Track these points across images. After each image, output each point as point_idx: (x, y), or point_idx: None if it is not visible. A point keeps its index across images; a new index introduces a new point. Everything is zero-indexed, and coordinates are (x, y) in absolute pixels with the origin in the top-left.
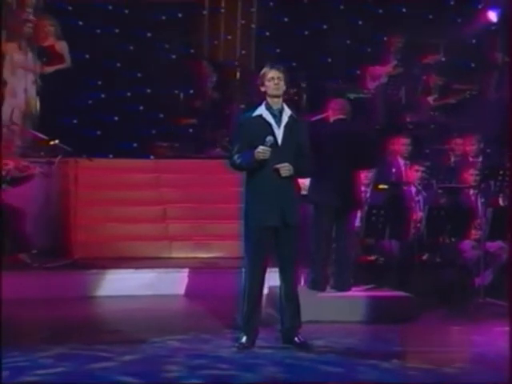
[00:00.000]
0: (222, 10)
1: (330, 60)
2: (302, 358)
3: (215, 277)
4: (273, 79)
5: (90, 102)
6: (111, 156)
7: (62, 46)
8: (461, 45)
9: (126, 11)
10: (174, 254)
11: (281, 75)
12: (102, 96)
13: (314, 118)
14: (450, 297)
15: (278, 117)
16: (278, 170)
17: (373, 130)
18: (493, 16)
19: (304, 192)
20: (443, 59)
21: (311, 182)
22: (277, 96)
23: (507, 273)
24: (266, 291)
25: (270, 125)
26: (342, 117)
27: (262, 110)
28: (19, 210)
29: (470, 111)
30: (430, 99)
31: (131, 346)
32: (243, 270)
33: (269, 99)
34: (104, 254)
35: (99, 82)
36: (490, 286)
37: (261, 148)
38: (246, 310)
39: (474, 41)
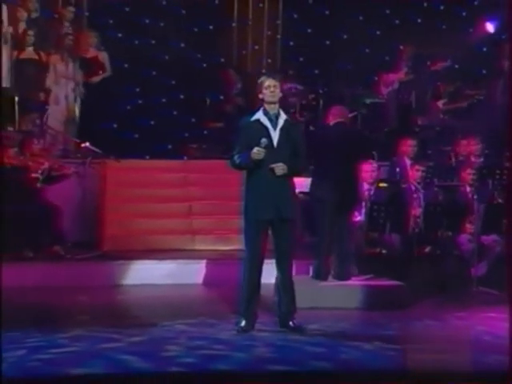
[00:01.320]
0: (250, 23)
1: (349, 67)
2: (293, 340)
3: (232, 267)
4: (269, 87)
5: (129, 107)
6: (148, 157)
7: (104, 57)
8: (470, 53)
9: (162, 24)
10: (197, 247)
11: (277, 83)
12: (140, 102)
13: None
14: (447, 286)
15: (274, 121)
16: (273, 170)
17: (378, 133)
18: (490, 27)
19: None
20: (456, 66)
21: (313, 180)
22: (273, 102)
23: (501, 264)
24: (273, 280)
25: (266, 128)
26: (340, 120)
27: (259, 115)
28: (55, 207)
29: (476, 115)
30: (440, 103)
31: (142, 328)
32: (243, 260)
33: (266, 105)
34: (132, 247)
35: (137, 89)
36: (485, 276)
37: (256, 149)
38: (245, 296)
39: (484, 49)
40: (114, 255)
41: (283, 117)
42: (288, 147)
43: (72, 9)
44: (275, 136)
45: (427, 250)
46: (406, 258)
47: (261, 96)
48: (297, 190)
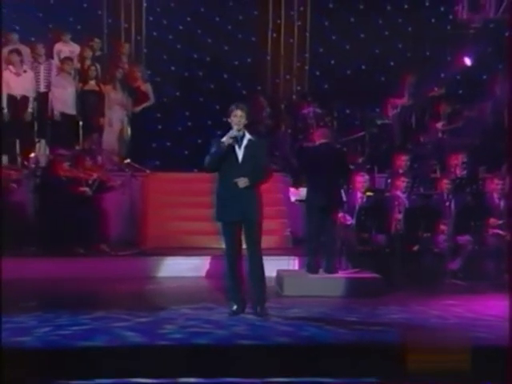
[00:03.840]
0: (282, 55)
1: (366, 93)
2: (270, 320)
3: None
4: (235, 116)
5: (180, 128)
6: (196, 170)
7: (148, 87)
8: (466, 79)
9: (208, 58)
10: (220, 246)
11: (243, 114)
12: (189, 124)
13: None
14: (425, 278)
15: (239, 141)
16: (236, 183)
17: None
18: (467, 61)
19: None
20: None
21: (307, 190)
22: (238, 127)
23: (473, 260)
24: (274, 274)
25: (233, 147)
26: (324, 141)
27: (228, 140)
28: (102, 211)
29: (466, 133)
30: (439, 125)
31: (152, 311)
32: (223, 255)
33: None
34: (167, 245)
35: (187, 113)
36: (459, 270)
37: (225, 137)
38: (230, 285)
39: (484, 77)
40: (149, 252)
41: (247, 137)
42: (251, 162)
43: (127, 46)
44: (240, 153)
45: (415, 248)
46: (390, 255)
47: (229, 120)
48: (294, 199)
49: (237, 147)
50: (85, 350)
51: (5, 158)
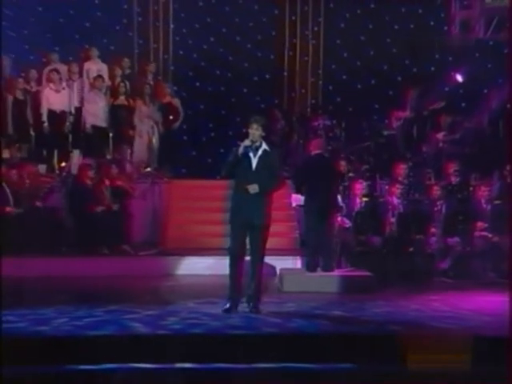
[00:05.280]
0: (297, 71)
1: (376, 106)
2: (262, 313)
3: None
4: (251, 129)
5: (204, 139)
6: (218, 177)
7: (177, 102)
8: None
9: (229, 75)
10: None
11: (258, 127)
12: (212, 135)
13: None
14: (415, 276)
15: (255, 151)
16: (247, 189)
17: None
18: (459, 77)
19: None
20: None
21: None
22: (254, 139)
23: (462, 260)
24: (278, 272)
25: (249, 156)
26: (319, 152)
27: (241, 149)
28: (125, 215)
29: (464, 143)
30: (440, 135)
31: (161, 305)
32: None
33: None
34: (185, 246)
35: (210, 125)
36: (448, 269)
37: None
38: (229, 283)
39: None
40: (167, 252)
41: (263, 147)
42: (264, 170)
43: (154, 65)
44: (254, 162)
45: (407, 249)
46: (384, 255)
47: (248, 131)
48: (295, 204)
49: (252, 156)
50: (92, 339)
51: (43, 167)
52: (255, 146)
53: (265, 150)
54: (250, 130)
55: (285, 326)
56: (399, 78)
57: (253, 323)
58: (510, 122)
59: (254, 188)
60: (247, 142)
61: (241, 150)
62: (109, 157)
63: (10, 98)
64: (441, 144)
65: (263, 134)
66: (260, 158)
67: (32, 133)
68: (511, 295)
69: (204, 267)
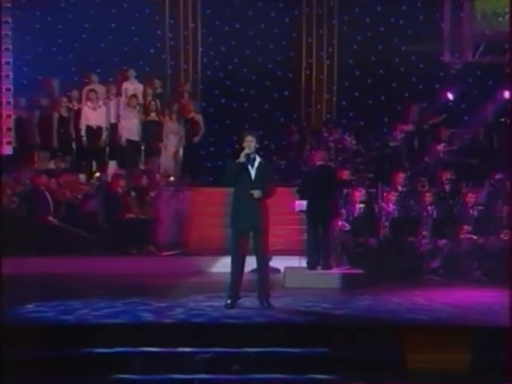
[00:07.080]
0: (314, 88)
1: (386, 120)
2: (257, 306)
3: None
4: (247, 141)
5: (229, 150)
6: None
7: (199, 118)
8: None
9: (252, 92)
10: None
11: (253, 139)
12: (236, 146)
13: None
14: (407, 274)
15: (252, 162)
16: (252, 194)
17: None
18: (450, 95)
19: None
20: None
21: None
22: (251, 151)
23: (450, 260)
24: (282, 270)
25: (247, 166)
26: (321, 163)
27: (242, 158)
28: (151, 220)
29: (461, 153)
30: (441, 146)
31: (174, 298)
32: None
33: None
34: (205, 247)
35: (234, 138)
36: (438, 268)
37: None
38: (231, 281)
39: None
40: (189, 252)
41: (258, 159)
42: (261, 180)
43: (189, 84)
44: (252, 172)
45: (400, 250)
46: (380, 255)
47: (243, 145)
48: (297, 209)
49: (249, 167)
50: (105, 326)
51: (83, 177)
52: (252, 158)
53: (260, 162)
54: (246, 143)
55: (275, 316)
56: (406, 95)
57: (247, 314)
58: (510, 131)
59: (258, 193)
60: (247, 151)
61: (243, 158)
62: (142, 167)
63: (55, 116)
64: (441, 155)
65: (257, 146)
66: (257, 169)
67: (73, 146)
68: (511, 291)
69: (218, 265)
